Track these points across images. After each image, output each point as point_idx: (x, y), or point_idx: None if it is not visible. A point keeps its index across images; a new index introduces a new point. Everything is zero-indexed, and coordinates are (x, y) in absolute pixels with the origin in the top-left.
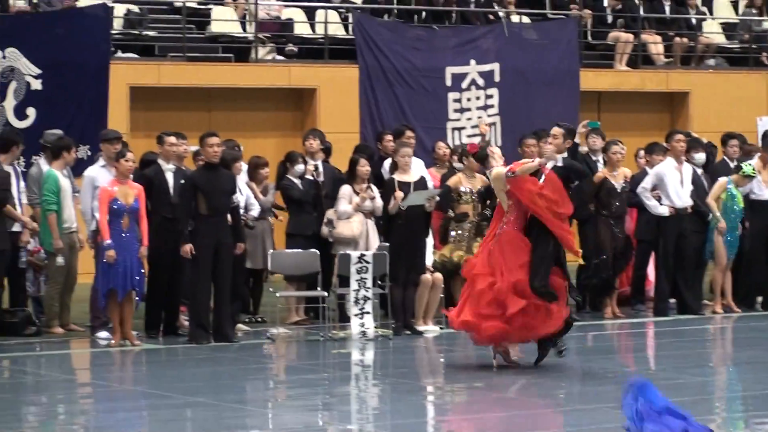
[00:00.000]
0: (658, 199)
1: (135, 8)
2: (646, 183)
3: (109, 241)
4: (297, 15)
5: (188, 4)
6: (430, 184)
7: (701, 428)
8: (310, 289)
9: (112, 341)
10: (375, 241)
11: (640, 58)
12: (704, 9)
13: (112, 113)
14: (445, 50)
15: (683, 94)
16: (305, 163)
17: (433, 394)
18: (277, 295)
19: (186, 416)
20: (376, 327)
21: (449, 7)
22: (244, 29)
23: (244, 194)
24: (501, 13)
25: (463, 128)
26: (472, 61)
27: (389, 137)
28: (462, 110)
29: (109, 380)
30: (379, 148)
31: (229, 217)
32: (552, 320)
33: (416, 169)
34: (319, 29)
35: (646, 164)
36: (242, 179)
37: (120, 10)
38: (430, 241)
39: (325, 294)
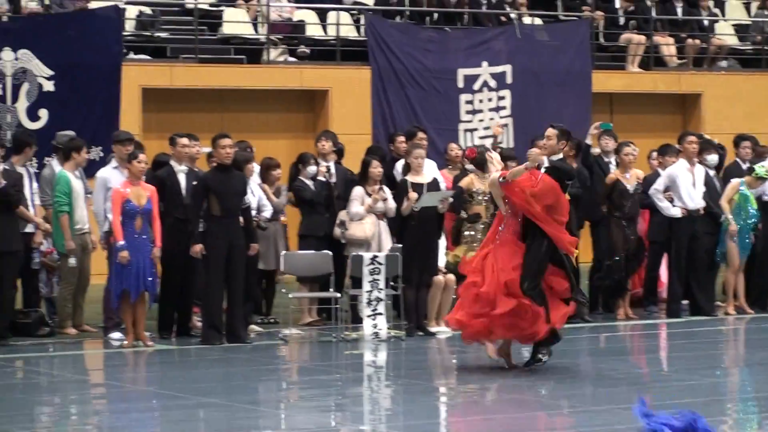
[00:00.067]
0: (671, 201)
1: (147, 10)
2: (659, 185)
3: (122, 242)
4: (309, 16)
5: (200, 6)
6: (443, 185)
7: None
8: (322, 291)
9: (125, 342)
10: (387, 242)
11: (653, 60)
12: (716, 10)
13: (124, 115)
14: (457, 52)
15: (695, 96)
16: (317, 164)
17: (446, 395)
18: (290, 296)
19: (198, 417)
20: (388, 328)
21: (461, 8)
22: (256, 31)
23: (257, 195)
24: (513, 15)
25: (475, 130)
26: (484, 63)
27: (401, 139)
28: (474, 112)
29: (121, 381)
30: (391, 150)
31: (241, 218)
32: (538, 325)
33: (429, 170)
34: (331, 31)
35: (658, 166)
36: (254, 180)
37: (132, 11)
38: (442, 242)
39: (338, 295)
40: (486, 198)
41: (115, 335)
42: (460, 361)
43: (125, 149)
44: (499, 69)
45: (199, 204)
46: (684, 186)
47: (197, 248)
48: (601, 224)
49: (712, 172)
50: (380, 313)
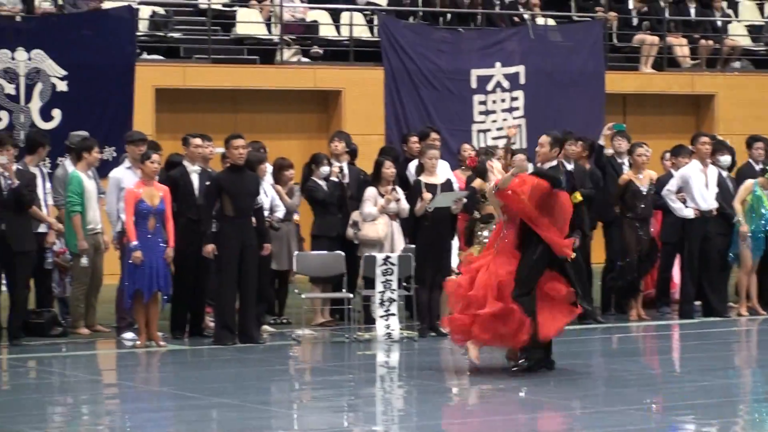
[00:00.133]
0: (684, 202)
1: (160, 10)
2: (672, 185)
3: (135, 243)
4: (322, 17)
5: (213, 6)
6: (456, 186)
7: None
8: (335, 291)
9: (138, 342)
10: (400, 242)
11: (666, 61)
12: (730, 11)
13: (137, 115)
14: (470, 52)
15: (708, 97)
16: (330, 164)
17: (459, 396)
18: (303, 296)
19: (211, 417)
20: (401, 329)
21: (474, 9)
22: (270, 31)
23: (269, 196)
24: (526, 16)
25: (488, 130)
26: (498, 64)
27: (414, 139)
28: (487, 112)
29: (134, 381)
30: (404, 150)
31: (253, 218)
32: (520, 334)
33: (442, 171)
34: (344, 31)
35: (671, 167)
36: (267, 181)
37: (145, 12)
38: (455, 242)
39: (351, 296)
40: None
41: (128, 335)
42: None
43: (138, 149)
44: (512, 70)
45: (212, 204)
46: (697, 187)
47: (210, 248)
48: (614, 225)
49: (725, 173)
50: (393, 314)
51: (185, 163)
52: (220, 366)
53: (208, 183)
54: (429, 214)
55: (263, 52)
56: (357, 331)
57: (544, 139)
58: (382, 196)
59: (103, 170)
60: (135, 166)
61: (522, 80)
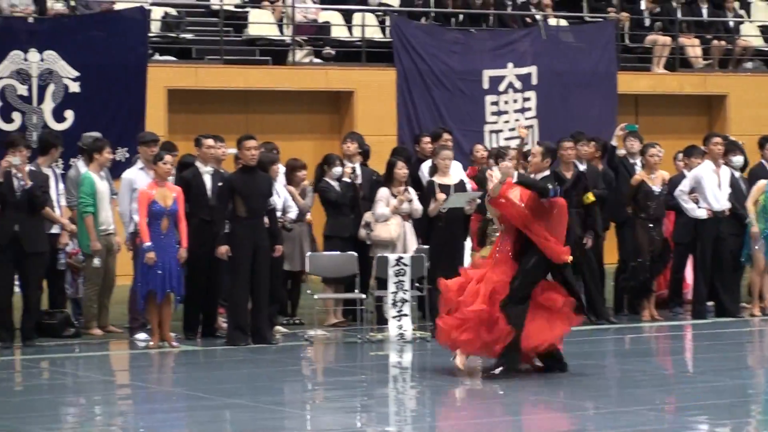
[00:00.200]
0: (696, 202)
1: (172, 11)
2: (684, 186)
3: (148, 243)
4: (334, 18)
5: (225, 7)
6: (469, 186)
7: None
8: (347, 292)
9: (151, 343)
10: (413, 243)
11: (678, 61)
12: (742, 12)
13: (149, 116)
14: (482, 53)
15: (721, 97)
16: (343, 165)
17: (471, 396)
18: (315, 297)
19: (224, 418)
20: (413, 329)
21: (486, 10)
22: (282, 32)
23: (282, 197)
24: (538, 16)
25: (501, 131)
26: (510, 64)
27: (427, 140)
28: (499, 113)
29: (147, 382)
30: (416, 151)
31: (266, 219)
32: (497, 344)
33: (455, 171)
34: (356, 32)
35: (684, 167)
36: (280, 182)
37: (157, 13)
38: (468, 243)
39: (363, 296)
40: None
41: (141, 336)
42: (485, 361)
43: (150, 150)
44: (524, 70)
45: (224, 205)
46: (709, 187)
47: (223, 250)
48: (627, 225)
49: (737, 174)
50: (405, 314)
51: (198, 164)
52: (233, 367)
53: (220, 184)
54: (442, 215)
55: (275, 53)
56: (369, 332)
57: (537, 149)
58: (395, 196)
59: (115, 171)
60: (148, 167)
61: (534, 81)
